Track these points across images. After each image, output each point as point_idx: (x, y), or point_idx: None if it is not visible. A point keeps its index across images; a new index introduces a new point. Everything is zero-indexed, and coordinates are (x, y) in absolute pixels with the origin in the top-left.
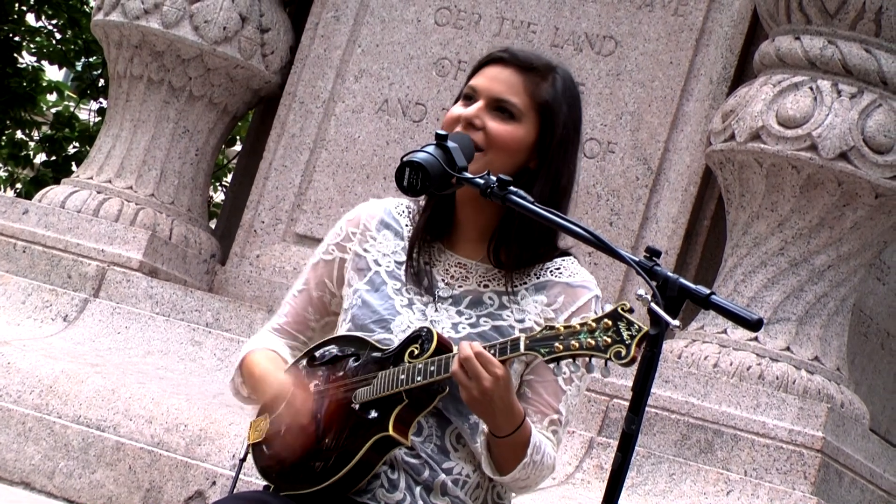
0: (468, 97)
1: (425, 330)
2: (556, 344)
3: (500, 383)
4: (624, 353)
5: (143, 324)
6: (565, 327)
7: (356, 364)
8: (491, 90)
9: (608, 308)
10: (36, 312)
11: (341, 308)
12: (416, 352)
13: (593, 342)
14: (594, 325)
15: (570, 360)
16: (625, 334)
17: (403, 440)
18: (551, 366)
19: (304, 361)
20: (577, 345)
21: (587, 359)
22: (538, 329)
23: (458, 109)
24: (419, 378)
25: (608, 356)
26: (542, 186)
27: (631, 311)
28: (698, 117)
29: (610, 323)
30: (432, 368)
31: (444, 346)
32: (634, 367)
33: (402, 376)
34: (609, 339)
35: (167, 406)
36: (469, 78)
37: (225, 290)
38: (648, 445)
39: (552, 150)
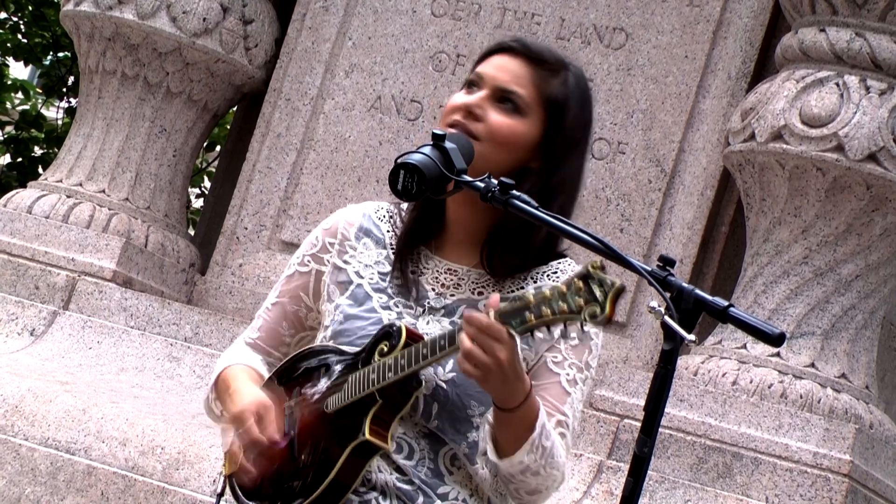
0: (472, 84)
1: (395, 327)
2: (527, 314)
3: (514, 349)
4: (598, 311)
5: (117, 338)
6: (535, 295)
7: (327, 372)
8: (496, 79)
9: (578, 269)
10: (0, 326)
11: (319, 323)
12: (386, 349)
13: (566, 306)
14: (565, 288)
15: (545, 328)
16: (598, 293)
17: (383, 444)
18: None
19: (277, 378)
20: (549, 312)
21: (562, 325)
22: (507, 301)
23: (460, 97)
24: (390, 374)
25: (583, 318)
26: (541, 188)
27: (602, 268)
28: (715, 116)
29: (581, 284)
30: (403, 362)
31: (413, 338)
32: (646, 386)
33: (373, 376)
34: (582, 301)
35: (143, 427)
36: (475, 66)
37: (205, 301)
38: (662, 469)
39: (558, 151)
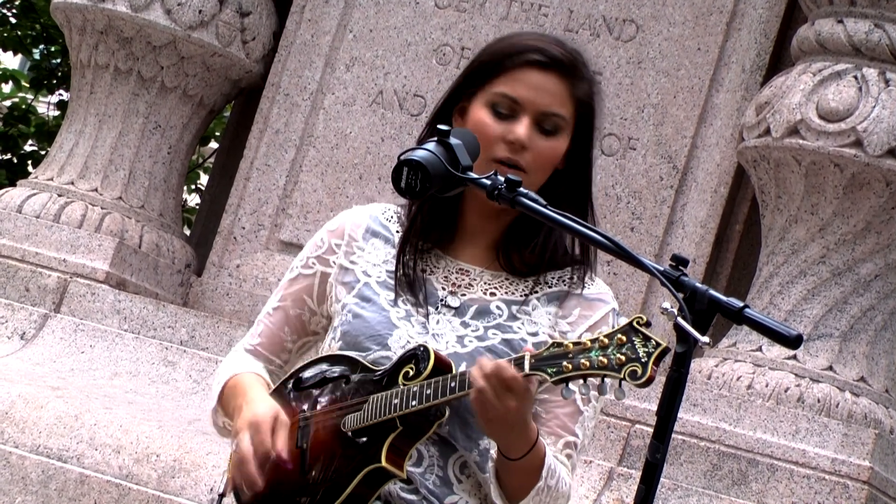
0: (504, 109)
1: (422, 348)
2: (565, 363)
3: (527, 402)
4: (640, 372)
5: (110, 342)
6: (574, 344)
7: (346, 387)
8: (537, 104)
9: (623, 321)
10: None
11: (323, 328)
12: (412, 373)
13: (605, 360)
14: (606, 340)
15: (581, 380)
16: (640, 351)
17: (398, 472)
18: (559, 387)
19: (291, 384)
20: (587, 363)
21: (599, 379)
22: (544, 346)
23: (497, 127)
24: (414, 402)
25: (622, 376)
26: (573, 188)
27: (648, 324)
28: (729, 110)
29: (624, 338)
30: (429, 392)
31: (442, 366)
32: (658, 389)
33: (396, 401)
34: (623, 357)
35: (137, 434)
36: (488, 72)
37: (201, 304)
38: (675, 476)
39: (585, 150)
